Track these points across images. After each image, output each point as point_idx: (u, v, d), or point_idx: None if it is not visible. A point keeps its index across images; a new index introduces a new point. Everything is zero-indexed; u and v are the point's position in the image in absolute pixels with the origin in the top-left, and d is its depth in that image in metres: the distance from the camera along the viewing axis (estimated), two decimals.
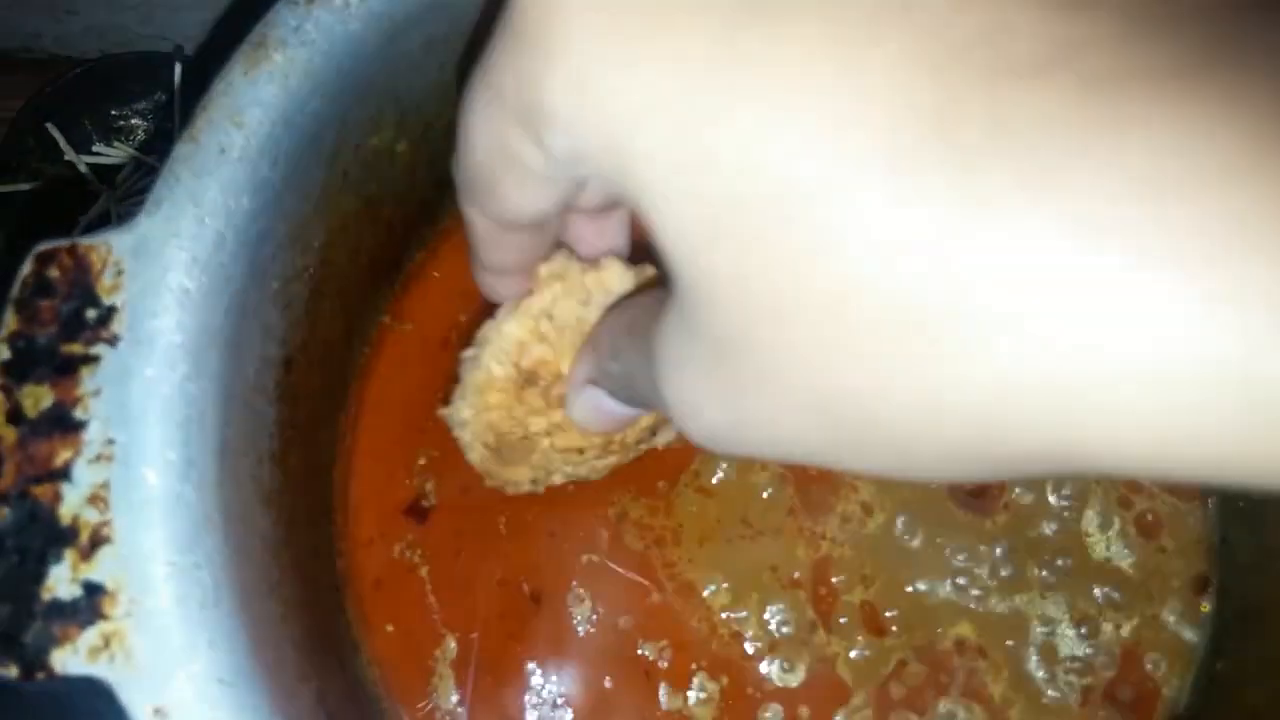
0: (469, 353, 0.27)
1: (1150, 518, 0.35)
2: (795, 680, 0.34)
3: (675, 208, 0.13)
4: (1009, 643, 0.34)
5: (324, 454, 0.35)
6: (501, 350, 0.26)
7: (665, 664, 0.34)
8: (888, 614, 0.34)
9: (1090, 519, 0.35)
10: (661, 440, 0.30)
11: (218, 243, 0.26)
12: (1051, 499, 0.35)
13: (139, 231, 0.25)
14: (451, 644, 0.34)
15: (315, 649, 0.29)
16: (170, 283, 0.25)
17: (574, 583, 0.35)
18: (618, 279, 0.25)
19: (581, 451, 0.28)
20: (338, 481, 0.35)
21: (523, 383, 0.26)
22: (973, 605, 0.34)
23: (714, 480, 0.35)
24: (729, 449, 0.16)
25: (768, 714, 0.33)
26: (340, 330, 0.34)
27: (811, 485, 0.35)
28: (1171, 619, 0.34)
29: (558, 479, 0.30)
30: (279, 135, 0.27)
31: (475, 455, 0.29)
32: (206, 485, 0.24)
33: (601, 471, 0.31)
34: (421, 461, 0.36)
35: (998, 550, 0.35)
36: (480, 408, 0.27)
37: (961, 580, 0.34)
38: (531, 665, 0.34)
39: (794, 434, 0.15)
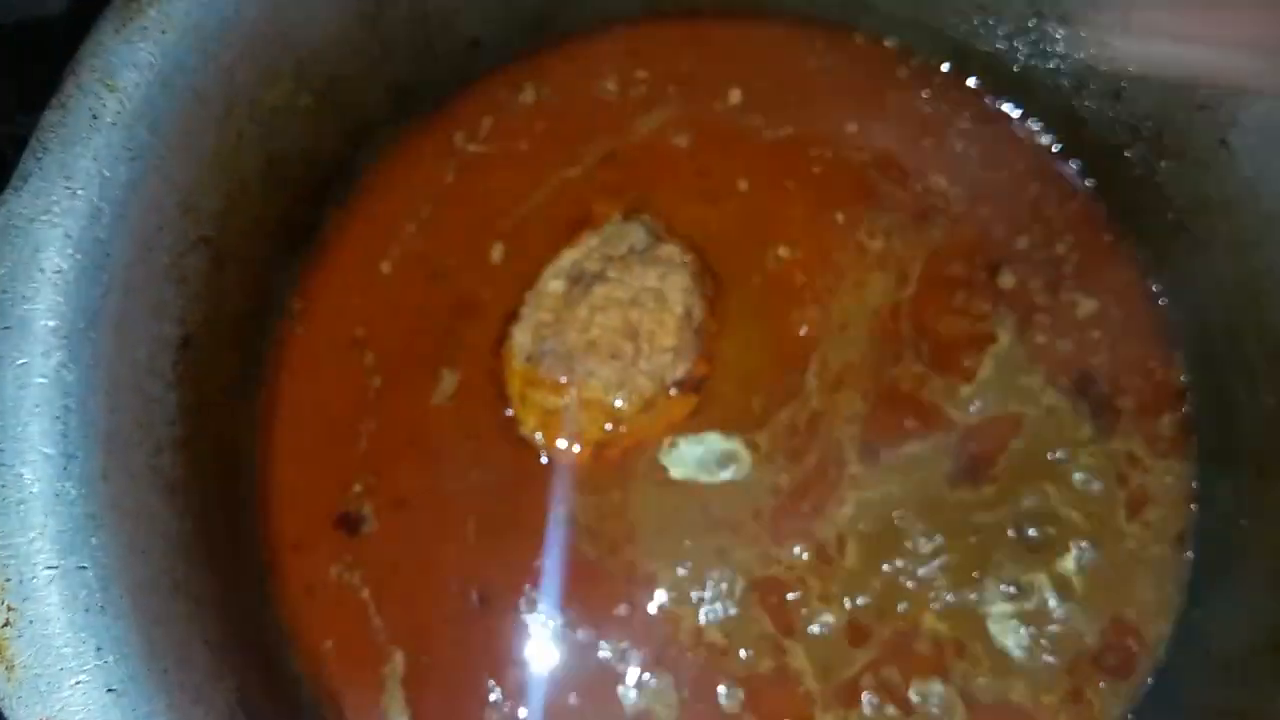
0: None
1: (1137, 487, 0.35)
2: (762, 668, 0.33)
3: None
4: (986, 612, 0.34)
5: (241, 438, 0.34)
6: (558, 269, 0.36)
7: (625, 666, 0.33)
8: (859, 600, 0.34)
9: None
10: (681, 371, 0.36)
11: (93, 217, 0.25)
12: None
13: (5, 209, 0.25)
14: (399, 660, 0.33)
15: (233, 647, 0.29)
16: (42, 263, 0.24)
17: (525, 587, 0.34)
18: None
19: (618, 353, 0.34)
20: (259, 468, 0.34)
21: (571, 285, 0.35)
22: (949, 579, 0.34)
23: (672, 474, 0.35)
24: None
25: (730, 702, 0.33)
26: (249, 302, 0.33)
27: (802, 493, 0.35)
28: (1152, 571, 0.34)
29: (595, 385, 0.35)
30: (156, 97, 0.26)
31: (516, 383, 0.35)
32: (91, 480, 0.24)
33: (633, 394, 0.35)
34: (346, 462, 0.34)
35: (976, 524, 0.34)
36: (535, 324, 0.35)
37: (939, 558, 0.34)
38: (486, 677, 0.33)
39: None
